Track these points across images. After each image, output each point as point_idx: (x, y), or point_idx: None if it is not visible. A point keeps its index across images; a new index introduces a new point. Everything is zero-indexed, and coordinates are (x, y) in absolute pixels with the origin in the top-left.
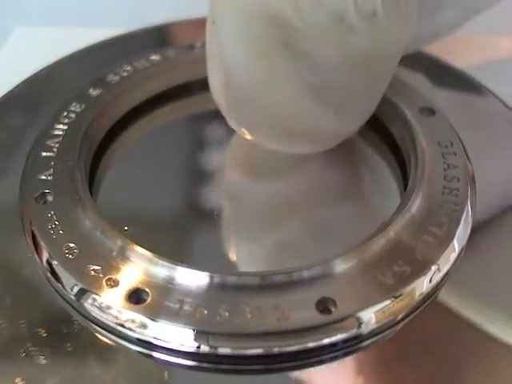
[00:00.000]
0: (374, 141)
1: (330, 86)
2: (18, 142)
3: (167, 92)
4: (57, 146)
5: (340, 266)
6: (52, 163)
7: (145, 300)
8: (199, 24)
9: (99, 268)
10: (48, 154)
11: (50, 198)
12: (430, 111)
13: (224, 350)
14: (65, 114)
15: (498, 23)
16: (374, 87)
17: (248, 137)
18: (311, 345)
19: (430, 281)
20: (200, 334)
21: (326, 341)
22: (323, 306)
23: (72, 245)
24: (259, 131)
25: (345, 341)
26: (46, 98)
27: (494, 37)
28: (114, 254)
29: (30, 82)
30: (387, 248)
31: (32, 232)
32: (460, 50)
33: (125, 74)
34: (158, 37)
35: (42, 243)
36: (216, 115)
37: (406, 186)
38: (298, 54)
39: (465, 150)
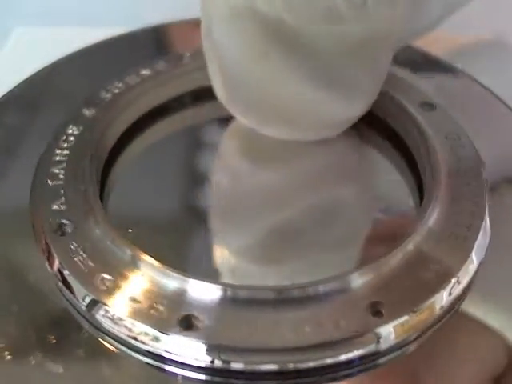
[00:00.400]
0: (375, 137)
1: (330, 72)
2: (18, 142)
3: (162, 106)
4: (62, 172)
5: (357, 281)
6: (62, 191)
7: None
8: (198, 23)
9: (111, 278)
10: (56, 182)
11: (68, 230)
12: (430, 106)
13: (237, 365)
14: (64, 137)
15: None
16: (374, 68)
17: (255, 128)
18: (329, 361)
19: (450, 293)
20: (212, 348)
21: (343, 357)
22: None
23: (91, 263)
24: (265, 123)
25: (362, 357)
26: (46, 98)
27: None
28: (126, 264)
29: (29, 81)
30: (405, 261)
31: (45, 241)
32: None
33: (116, 91)
34: (158, 36)
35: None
36: (213, 124)
37: (415, 178)
38: (295, 48)
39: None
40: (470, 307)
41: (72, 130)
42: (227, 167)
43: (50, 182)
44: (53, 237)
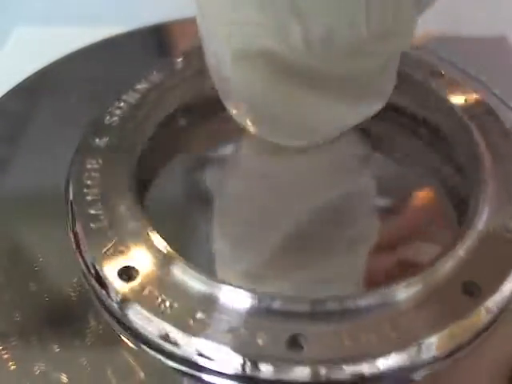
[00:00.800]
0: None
1: (353, 89)
2: (20, 135)
3: (169, 119)
4: (101, 212)
5: (402, 294)
6: (109, 234)
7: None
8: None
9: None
10: (99, 224)
11: (135, 274)
12: (439, 74)
13: (266, 371)
14: (86, 174)
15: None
16: (392, 70)
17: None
18: (366, 370)
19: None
20: (241, 356)
21: (382, 367)
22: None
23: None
24: (284, 136)
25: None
26: (46, 97)
27: None
28: (160, 267)
29: (30, 81)
30: (454, 267)
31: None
32: None
33: (119, 113)
34: (158, 35)
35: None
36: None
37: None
38: (312, 78)
39: None
40: None
41: (91, 164)
42: (240, 172)
43: (92, 225)
44: (119, 282)
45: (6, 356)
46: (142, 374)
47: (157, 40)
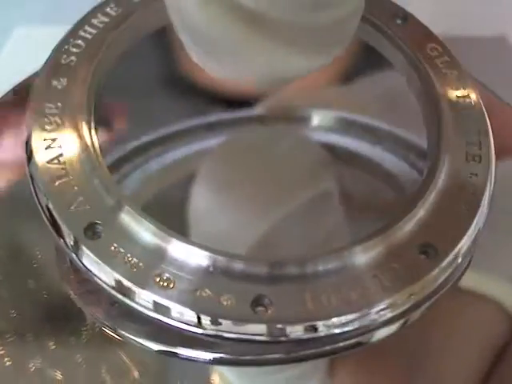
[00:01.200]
0: None
1: (318, 38)
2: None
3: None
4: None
5: (361, 256)
6: (75, 188)
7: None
8: None
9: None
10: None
11: (99, 228)
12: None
13: (228, 331)
14: (45, 119)
15: None
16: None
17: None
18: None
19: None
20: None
21: (337, 331)
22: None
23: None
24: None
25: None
26: None
27: None
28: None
29: (30, 81)
30: (413, 228)
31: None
32: None
33: (76, 50)
34: (158, 35)
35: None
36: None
37: None
38: (274, 28)
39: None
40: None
41: (49, 108)
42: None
43: (57, 182)
44: (85, 240)
45: (1, 352)
46: (136, 373)
47: (157, 40)
